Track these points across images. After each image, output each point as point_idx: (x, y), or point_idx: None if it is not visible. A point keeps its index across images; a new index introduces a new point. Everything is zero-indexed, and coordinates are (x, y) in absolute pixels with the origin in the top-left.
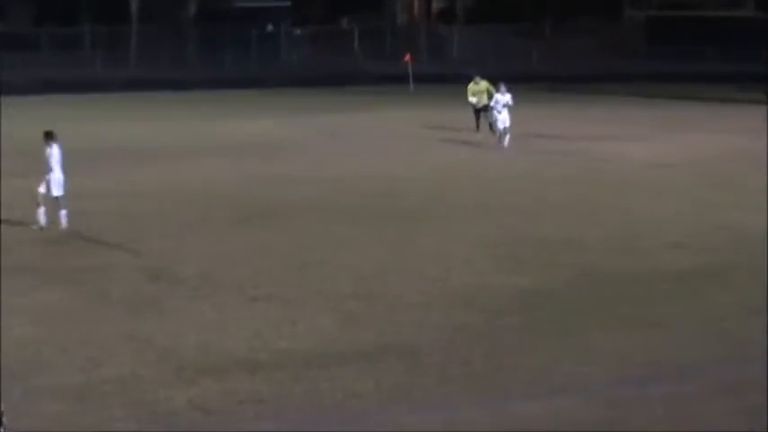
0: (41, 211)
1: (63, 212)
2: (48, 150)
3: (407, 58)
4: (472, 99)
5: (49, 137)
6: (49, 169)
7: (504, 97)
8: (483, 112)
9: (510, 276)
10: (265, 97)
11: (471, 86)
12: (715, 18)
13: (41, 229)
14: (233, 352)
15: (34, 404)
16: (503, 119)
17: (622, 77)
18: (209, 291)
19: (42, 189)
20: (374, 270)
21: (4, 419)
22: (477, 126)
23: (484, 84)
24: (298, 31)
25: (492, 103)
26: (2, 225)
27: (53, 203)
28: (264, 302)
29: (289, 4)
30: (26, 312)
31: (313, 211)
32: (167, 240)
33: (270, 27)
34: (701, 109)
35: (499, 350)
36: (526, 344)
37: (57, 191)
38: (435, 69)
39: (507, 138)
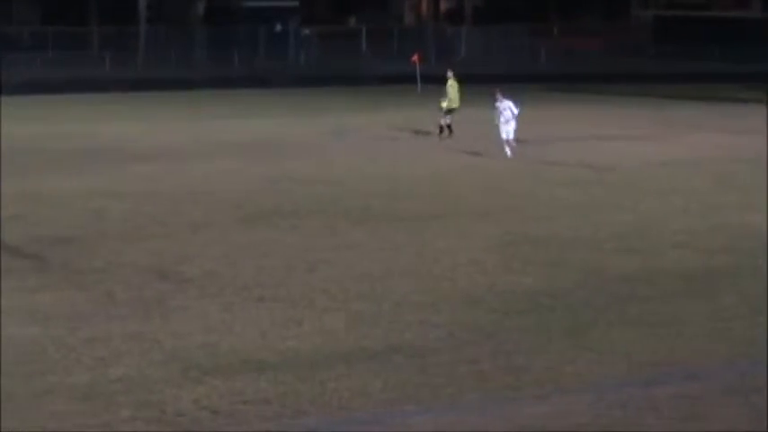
0: None
1: None
2: None
3: (415, 58)
4: (444, 104)
5: None
6: None
7: (502, 104)
8: (450, 114)
9: (518, 276)
10: (273, 97)
11: (452, 84)
12: (722, 18)
13: None
14: (240, 352)
15: (41, 404)
16: (506, 129)
17: (630, 77)
18: (215, 290)
19: None
20: (381, 270)
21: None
22: (449, 129)
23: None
24: (306, 31)
25: (495, 113)
26: (5, 225)
27: None
28: (271, 302)
29: (297, 3)
30: (33, 312)
31: (319, 212)
32: (173, 240)
33: (278, 27)
34: (708, 109)
35: (507, 350)
36: (534, 343)
37: None
38: (443, 70)
39: (508, 149)
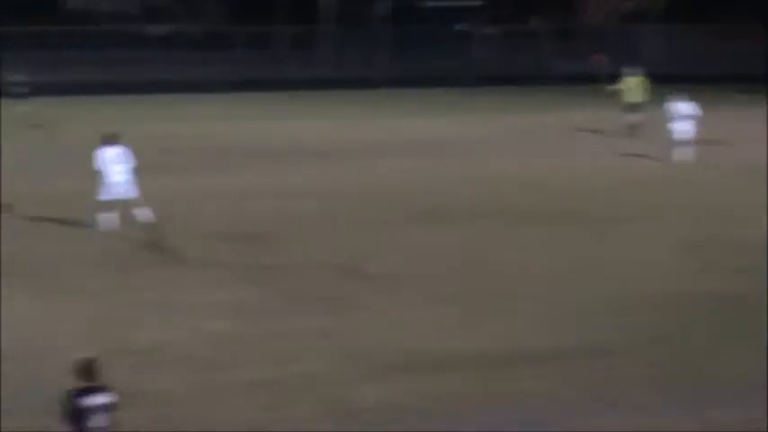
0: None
1: (136, 212)
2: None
3: (597, 57)
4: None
5: (103, 139)
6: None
7: (677, 106)
8: (634, 111)
9: (703, 279)
10: (454, 96)
11: (628, 81)
12: None
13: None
14: (421, 350)
15: (224, 397)
16: (680, 130)
17: None
18: (396, 289)
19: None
20: (562, 271)
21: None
22: (634, 128)
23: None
24: (488, 31)
25: (668, 114)
26: (193, 221)
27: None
28: (452, 301)
29: (480, 3)
30: (219, 308)
31: (495, 212)
32: (355, 238)
33: (460, 26)
34: None
35: (693, 353)
36: (719, 348)
37: (104, 195)
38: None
39: (686, 150)
